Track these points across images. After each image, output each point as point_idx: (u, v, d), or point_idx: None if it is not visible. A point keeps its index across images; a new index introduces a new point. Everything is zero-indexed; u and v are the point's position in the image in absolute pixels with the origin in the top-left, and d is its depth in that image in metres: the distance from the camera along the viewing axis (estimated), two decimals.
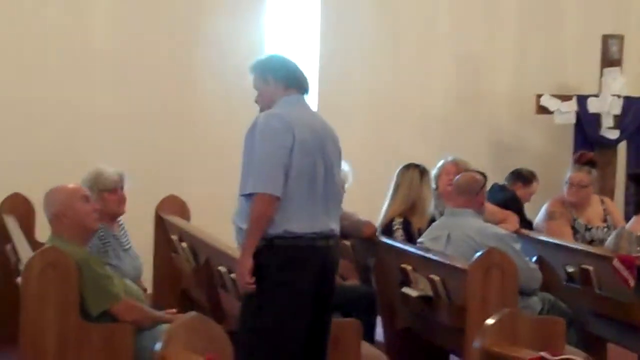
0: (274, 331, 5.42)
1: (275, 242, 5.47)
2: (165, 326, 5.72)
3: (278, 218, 5.43)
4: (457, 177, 7.71)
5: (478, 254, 6.56)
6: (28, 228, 8.23)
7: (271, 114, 5.59)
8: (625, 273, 7.07)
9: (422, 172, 8.11)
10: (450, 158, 8.43)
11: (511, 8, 11.27)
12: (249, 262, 5.48)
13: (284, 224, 5.46)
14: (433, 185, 8.27)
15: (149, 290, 8.11)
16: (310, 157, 5.53)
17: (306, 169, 5.51)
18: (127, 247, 7.07)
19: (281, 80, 5.70)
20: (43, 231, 7.51)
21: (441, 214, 7.85)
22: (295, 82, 5.73)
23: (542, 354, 4.16)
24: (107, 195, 6.80)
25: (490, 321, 4.50)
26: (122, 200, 6.92)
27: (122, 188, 6.95)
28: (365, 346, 6.57)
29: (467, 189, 7.44)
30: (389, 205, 8.12)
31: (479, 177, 7.63)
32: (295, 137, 5.47)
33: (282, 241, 5.48)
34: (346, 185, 7.97)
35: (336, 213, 5.79)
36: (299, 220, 5.50)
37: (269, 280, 5.47)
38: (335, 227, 5.73)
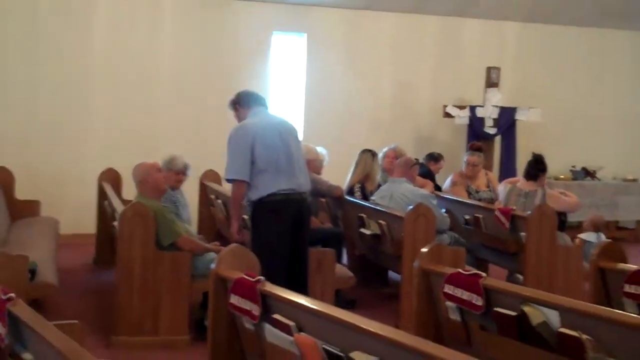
0: (268, 249, 5.58)
1: (262, 200, 5.73)
2: (212, 254, 5.91)
3: (260, 186, 5.74)
4: (399, 159, 7.87)
5: (410, 207, 6.71)
6: (117, 190, 8.28)
7: (237, 126, 5.95)
8: (503, 219, 7.21)
9: (373, 154, 8.25)
10: (392, 146, 8.51)
11: (429, 48, 11.32)
12: (236, 225, 5.99)
13: (264, 189, 5.73)
14: (380, 163, 8.38)
15: (196, 230, 8.25)
16: (272, 144, 5.79)
17: (271, 153, 5.77)
18: (185, 204, 7.19)
19: (245, 105, 6.00)
20: (127, 192, 7.65)
21: (385, 182, 7.93)
22: (255, 102, 5.97)
23: (458, 270, 4.25)
24: (173, 174, 6.90)
25: (424, 249, 4.52)
26: (180, 180, 7.03)
27: (184, 173, 7.06)
28: (337, 266, 6.72)
29: (404, 166, 7.57)
30: (352, 176, 8.26)
31: (411, 158, 7.78)
32: (255, 136, 5.71)
33: (266, 198, 5.73)
34: (324, 163, 8.13)
35: (301, 175, 5.98)
36: (273, 185, 5.74)
37: (262, 221, 5.78)
38: (301, 184, 5.95)
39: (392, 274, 7.89)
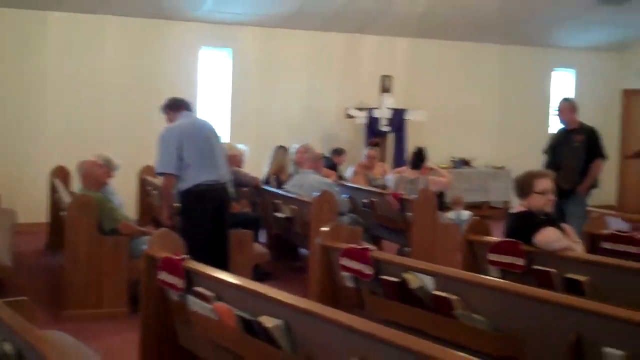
0: (195, 232, 5.63)
1: (190, 190, 5.75)
2: (147, 237, 5.83)
3: (188, 178, 5.76)
4: (308, 153, 7.86)
5: (316, 194, 6.74)
6: (66, 184, 8.12)
7: (167, 127, 5.94)
8: (394, 202, 7.30)
9: (285, 149, 8.25)
10: (303, 143, 8.49)
11: (334, 60, 11.36)
12: (166, 212, 6.01)
13: (191, 181, 5.76)
14: (292, 157, 8.37)
15: (136, 217, 8.14)
16: (197, 142, 5.81)
17: (196, 150, 5.79)
18: (114, 193, 7.07)
19: (174, 109, 6.00)
20: (75, 186, 7.50)
21: (296, 172, 7.94)
22: (182, 107, 5.95)
23: (352, 245, 4.29)
24: (110, 172, 6.77)
25: (324, 229, 4.54)
26: (111, 176, 6.85)
27: (114, 170, 6.90)
28: (255, 245, 6.72)
29: (312, 159, 7.60)
30: (268, 168, 8.24)
31: (318, 153, 7.79)
32: (183, 135, 5.73)
33: (193, 188, 5.75)
34: (245, 158, 8.10)
35: (222, 168, 6.02)
36: (199, 177, 5.76)
37: (189, 208, 5.81)
38: (222, 175, 5.98)
39: (302, 250, 7.91)
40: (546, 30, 12.12)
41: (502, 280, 3.98)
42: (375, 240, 7.97)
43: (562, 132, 7.39)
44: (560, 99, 7.67)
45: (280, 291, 3.27)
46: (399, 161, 10.90)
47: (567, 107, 7.32)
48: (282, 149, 8.26)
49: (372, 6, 10.41)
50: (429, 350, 2.42)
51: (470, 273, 3.91)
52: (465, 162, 12.05)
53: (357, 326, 2.74)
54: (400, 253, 7.70)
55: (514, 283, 3.60)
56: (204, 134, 5.92)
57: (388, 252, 8.01)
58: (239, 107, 10.81)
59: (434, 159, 11.67)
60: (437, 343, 3.52)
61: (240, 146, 8.19)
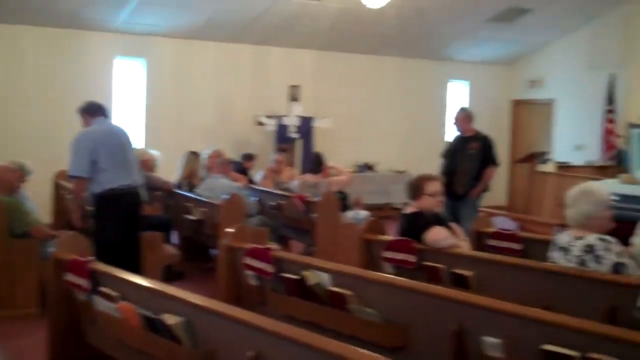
0: (105, 234, 5.52)
1: (104, 193, 5.59)
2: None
3: (103, 182, 5.61)
4: (218, 159, 7.77)
5: (225, 196, 6.70)
6: None
7: (82, 131, 5.75)
8: (299, 204, 7.32)
9: (196, 155, 8.16)
10: (214, 148, 8.36)
11: (244, 70, 11.32)
12: (77, 214, 5.93)
13: (105, 185, 5.60)
14: (204, 162, 8.26)
15: (51, 221, 7.91)
16: (112, 148, 5.67)
17: (111, 155, 5.64)
18: (27, 197, 6.85)
19: (91, 113, 5.81)
20: None
21: (207, 177, 7.85)
22: (99, 112, 5.82)
23: (255, 245, 4.28)
24: (23, 176, 6.54)
25: (229, 230, 4.52)
26: (24, 181, 6.62)
27: (27, 175, 6.68)
28: (165, 246, 6.64)
29: (221, 165, 7.54)
30: (180, 173, 8.13)
31: (227, 158, 7.73)
32: (98, 140, 5.59)
33: (107, 192, 5.59)
34: (158, 163, 7.99)
35: (135, 173, 5.88)
36: (112, 182, 5.61)
37: (103, 211, 5.63)
38: (135, 180, 5.85)
39: (213, 251, 7.79)
40: (442, 45, 12.41)
41: (391, 275, 4.06)
42: (283, 240, 7.99)
43: (458, 140, 7.55)
44: (457, 108, 7.81)
45: (182, 290, 3.25)
46: (306, 166, 10.93)
47: (463, 117, 7.49)
48: (193, 155, 8.17)
49: (279, 20, 10.43)
50: (316, 342, 2.45)
51: (363, 270, 3.97)
52: (368, 167, 12.21)
53: (253, 322, 2.76)
54: (307, 252, 7.76)
55: (402, 278, 3.68)
56: (119, 140, 5.79)
57: (295, 251, 8.13)
58: (154, 114, 10.64)
59: (339, 163, 11.86)
60: (334, 336, 3.58)
61: (153, 152, 8.08)
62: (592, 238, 3.81)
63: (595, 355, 2.66)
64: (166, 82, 10.76)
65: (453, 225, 4.98)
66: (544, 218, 9.47)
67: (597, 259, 3.75)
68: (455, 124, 7.56)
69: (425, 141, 12.60)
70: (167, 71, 10.78)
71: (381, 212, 11.51)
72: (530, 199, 10.73)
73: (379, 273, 3.97)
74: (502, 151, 13.36)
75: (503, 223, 10.19)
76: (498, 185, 13.18)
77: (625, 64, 11.43)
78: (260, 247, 4.19)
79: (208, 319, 3.02)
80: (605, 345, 2.67)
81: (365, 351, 2.38)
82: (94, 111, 5.85)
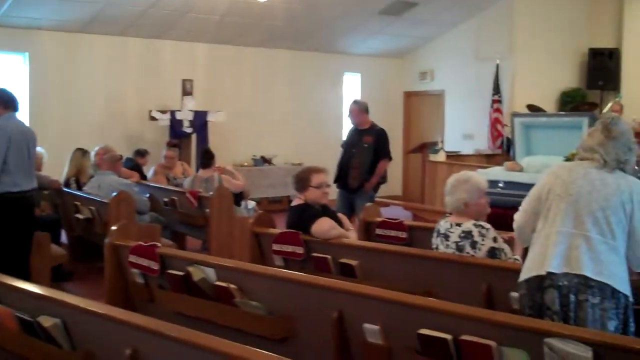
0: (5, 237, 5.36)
1: (4, 195, 5.37)
2: None
3: (7, 183, 5.36)
4: (108, 154, 7.55)
5: (114, 193, 6.56)
6: None
7: None
8: (192, 200, 7.26)
9: (84, 152, 7.96)
10: (101, 145, 8.11)
11: (135, 64, 11.09)
12: None
13: (9, 187, 5.37)
14: (93, 159, 8.03)
15: None
16: (20, 148, 5.47)
17: (19, 156, 5.45)
18: None
19: (3, 105, 5.53)
20: None
21: (96, 174, 7.65)
22: (11, 105, 5.57)
23: (139, 242, 4.21)
24: None
25: (113, 227, 4.45)
26: None
27: None
28: (53, 246, 6.44)
29: (109, 161, 7.36)
30: (68, 170, 7.91)
31: (115, 154, 7.55)
32: (11, 139, 5.35)
33: (8, 194, 5.39)
34: (44, 161, 7.74)
35: (34, 176, 5.72)
36: (17, 184, 5.43)
37: (3, 213, 5.40)
38: (34, 183, 5.68)
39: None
40: (335, 38, 12.54)
41: (274, 268, 4.09)
42: (178, 237, 7.90)
43: (353, 132, 7.57)
44: (351, 101, 7.85)
45: (57, 291, 3.18)
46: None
47: (357, 109, 7.51)
48: (79, 152, 7.96)
49: (169, 13, 10.27)
50: (190, 337, 2.45)
51: (247, 263, 3.98)
52: (265, 160, 12.21)
53: (128, 320, 2.73)
54: (205, 248, 7.71)
55: (285, 270, 3.73)
56: (26, 140, 5.55)
57: (192, 248, 8.07)
58: (38, 111, 10.21)
59: (236, 158, 11.83)
60: (221, 330, 3.59)
61: (39, 149, 7.79)
62: (469, 224, 3.96)
63: (467, 337, 2.77)
64: (51, 78, 10.37)
65: (341, 215, 5.06)
66: (436, 207, 9.74)
67: (474, 244, 3.90)
68: (349, 116, 7.62)
69: (321, 133, 12.72)
70: (52, 66, 10.40)
71: (280, 205, 11.58)
72: (423, 188, 11.00)
73: (262, 266, 4.00)
74: (395, 142, 13.65)
75: (397, 212, 10.46)
76: (393, 175, 13.40)
77: (510, 54, 11.88)
78: (145, 244, 4.13)
79: (85, 320, 2.97)
80: (476, 326, 2.78)
81: (237, 344, 2.39)
82: (6, 104, 5.54)
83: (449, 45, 13.02)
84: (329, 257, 4.43)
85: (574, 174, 3.18)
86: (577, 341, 2.50)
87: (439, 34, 13.04)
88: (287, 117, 12.65)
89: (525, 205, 3.36)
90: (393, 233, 5.12)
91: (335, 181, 7.31)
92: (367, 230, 5.32)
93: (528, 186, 7.78)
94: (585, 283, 2.98)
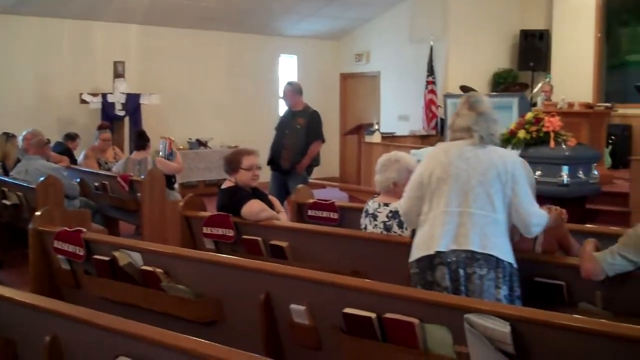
0: None
1: None
2: None
3: None
4: (35, 139, 7.34)
5: (42, 178, 6.40)
6: None
7: None
8: (123, 184, 7.14)
9: (9, 136, 7.73)
10: (29, 129, 7.84)
11: (66, 46, 10.81)
12: None
13: None
14: (20, 143, 7.80)
15: None
16: None
17: None
18: None
19: None
20: None
21: (23, 159, 7.43)
22: None
23: (64, 228, 4.13)
24: None
25: (37, 213, 4.38)
26: None
27: None
28: None
29: (37, 145, 7.17)
30: None
31: (43, 139, 7.36)
32: None
33: None
34: None
35: None
36: None
37: None
38: None
39: None
40: (271, 20, 12.47)
41: (201, 251, 4.06)
42: (111, 222, 7.77)
43: (287, 114, 7.55)
44: (285, 83, 7.82)
45: None
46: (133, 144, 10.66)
47: (290, 91, 7.48)
48: (4, 136, 7.70)
49: None
50: (104, 321, 2.41)
51: (173, 247, 3.94)
52: (201, 143, 12.09)
53: (45, 306, 2.67)
54: (137, 233, 7.59)
55: (211, 253, 3.70)
56: None
57: (125, 233, 7.95)
58: None
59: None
60: (149, 315, 3.55)
61: None
62: (397, 204, 3.99)
63: (390, 315, 2.80)
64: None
65: (272, 198, 5.05)
66: (372, 188, 9.78)
67: (402, 224, 3.94)
68: (283, 98, 7.60)
69: (258, 116, 12.64)
70: None
71: (216, 188, 11.42)
72: (359, 170, 11.06)
73: (188, 249, 3.97)
74: (332, 124, 13.73)
75: (333, 194, 10.50)
76: (330, 157, 13.49)
77: (444, 36, 12.02)
78: (70, 229, 4.05)
79: (4, 307, 2.89)
80: (399, 304, 2.82)
81: (157, 328, 2.36)
82: None
83: (384, 27, 13.08)
84: (259, 239, 4.42)
85: (450, 155, 3.32)
86: (495, 316, 2.55)
87: (374, 15, 13.08)
88: (223, 99, 12.53)
89: (409, 191, 3.48)
90: (325, 214, 5.14)
91: (268, 163, 7.28)
92: (300, 211, 5.32)
93: None
94: (472, 257, 3.14)
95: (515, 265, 3.22)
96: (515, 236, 3.36)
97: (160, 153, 7.83)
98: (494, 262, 3.14)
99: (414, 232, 3.48)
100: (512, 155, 3.40)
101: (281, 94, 7.95)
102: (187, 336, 2.29)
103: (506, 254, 3.19)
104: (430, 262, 3.23)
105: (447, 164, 3.29)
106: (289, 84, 7.64)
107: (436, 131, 11.64)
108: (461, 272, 3.15)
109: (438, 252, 3.19)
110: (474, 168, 3.24)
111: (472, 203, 3.19)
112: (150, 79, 11.40)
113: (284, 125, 7.45)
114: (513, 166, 3.26)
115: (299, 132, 7.28)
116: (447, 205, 3.23)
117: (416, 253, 3.31)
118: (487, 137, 3.32)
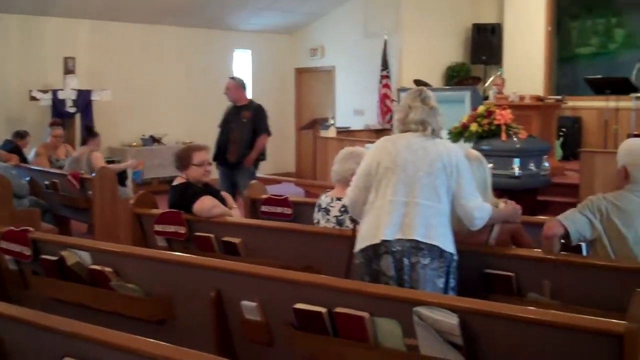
0: None
1: None
2: None
3: None
4: None
5: None
6: None
7: None
8: (74, 182, 7.02)
9: None
10: None
11: (14, 42, 10.58)
12: None
13: None
14: None
15: None
16: None
17: None
18: None
19: None
20: None
21: None
22: None
23: (10, 227, 4.04)
24: None
25: None
26: None
27: None
28: None
29: None
30: None
31: None
32: None
33: None
34: None
35: None
36: None
37: None
38: None
39: None
40: (224, 15, 12.37)
41: (150, 249, 4.01)
42: (62, 221, 7.64)
43: (231, 109, 7.54)
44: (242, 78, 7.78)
45: None
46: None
47: (234, 85, 7.48)
48: None
49: None
50: (52, 323, 2.37)
51: (122, 245, 3.90)
52: (155, 140, 11.95)
53: None
54: (90, 232, 7.48)
55: (160, 251, 3.67)
56: None
57: (78, 232, 7.82)
58: None
59: (124, 138, 11.54)
60: (99, 315, 3.49)
61: None
62: None
63: (341, 309, 2.80)
64: None
65: (224, 194, 5.02)
66: (327, 182, 9.79)
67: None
68: (226, 93, 7.56)
69: (212, 111, 12.32)
70: None
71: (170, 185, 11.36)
72: (315, 165, 11.06)
73: (137, 247, 3.92)
74: (288, 118, 13.73)
75: (289, 189, 10.49)
76: (286, 152, 13.49)
77: (397, 30, 12.07)
78: (16, 229, 3.96)
79: None
80: (350, 299, 2.82)
81: (102, 328, 2.32)
82: None
83: (338, 21, 13.08)
84: (211, 236, 4.39)
85: (398, 146, 3.36)
86: (443, 308, 2.57)
87: (328, 10, 13.08)
88: (177, 95, 12.40)
89: (356, 181, 3.50)
90: (279, 210, 5.12)
91: (214, 159, 7.21)
92: (253, 207, 5.29)
93: None
94: (416, 246, 3.19)
95: (456, 257, 3.28)
96: (470, 228, 3.41)
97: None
98: (437, 252, 3.20)
99: (355, 224, 3.53)
100: (456, 148, 3.47)
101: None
102: (133, 335, 2.26)
103: (449, 245, 3.25)
104: (376, 251, 3.26)
105: (395, 155, 3.33)
106: (232, 78, 7.65)
107: (391, 125, 11.66)
108: (405, 261, 3.19)
109: (384, 241, 3.23)
110: (422, 159, 3.29)
111: (418, 193, 3.24)
112: (102, 75, 11.22)
113: (229, 120, 7.42)
114: (457, 159, 3.32)
115: (245, 126, 7.26)
116: (394, 195, 3.27)
117: (361, 243, 3.34)
118: (437, 130, 3.41)
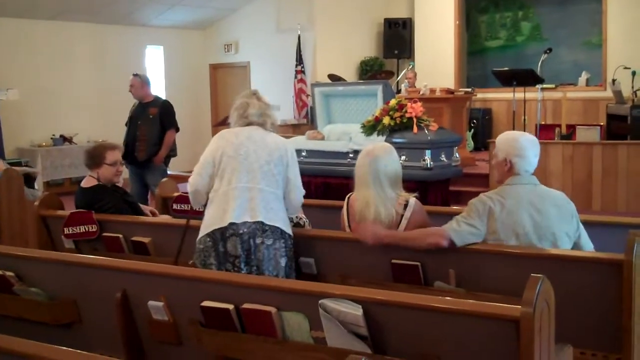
0: None
1: None
2: None
3: None
4: None
5: None
6: None
7: None
8: None
9: None
10: None
11: None
12: None
13: None
14: None
15: None
16: None
17: None
18: None
19: None
20: None
21: None
22: None
23: None
24: None
25: None
26: None
27: None
28: None
29: None
30: None
31: None
32: None
33: None
34: None
35: None
36: None
37: None
38: None
39: None
40: (134, 10, 12.13)
41: (51, 252, 3.92)
42: None
43: (137, 106, 7.41)
44: (153, 74, 7.64)
45: None
46: None
47: (139, 82, 7.35)
48: None
49: None
50: None
51: (23, 248, 3.80)
52: (66, 139, 11.63)
53: None
54: None
55: (62, 253, 3.60)
56: None
57: None
58: None
59: (33, 138, 11.20)
60: (5, 321, 3.38)
61: None
62: None
63: (248, 305, 2.81)
64: None
65: (143, 206, 4.95)
66: None
67: None
68: (131, 91, 7.44)
69: (125, 109, 11.97)
70: None
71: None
72: None
73: (40, 250, 3.83)
74: (203, 115, 13.62)
75: None
76: (202, 148, 13.21)
77: (311, 25, 12.12)
78: None
79: None
80: (256, 294, 2.83)
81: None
82: None
83: (251, 16, 13.02)
84: (120, 236, 4.31)
85: (240, 137, 3.65)
86: (348, 300, 2.60)
87: (241, 4, 13.01)
88: (87, 93, 12.10)
89: (199, 169, 3.70)
90: (190, 207, 5.06)
91: (124, 157, 7.06)
92: (165, 206, 5.23)
93: (329, 154, 8.04)
94: (261, 228, 3.50)
95: (292, 240, 3.62)
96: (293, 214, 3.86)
97: None
98: (278, 233, 3.53)
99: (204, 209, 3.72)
100: (288, 142, 3.82)
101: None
102: (30, 341, 2.20)
103: (287, 227, 3.61)
104: (223, 234, 3.49)
105: (238, 145, 3.60)
106: (137, 75, 7.51)
107: (307, 120, 11.74)
108: (252, 242, 3.48)
109: (231, 224, 3.48)
110: (262, 149, 3.61)
111: (260, 180, 3.55)
112: (7, 74, 10.83)
113: (136, 118, 7.30)
114: (292, 152, 3.72)
115: (152, 122, 7.16)
116: (238, 182, 3.54)
117: (207, 228, 3.54)
118: (274, 124, 3.80)
